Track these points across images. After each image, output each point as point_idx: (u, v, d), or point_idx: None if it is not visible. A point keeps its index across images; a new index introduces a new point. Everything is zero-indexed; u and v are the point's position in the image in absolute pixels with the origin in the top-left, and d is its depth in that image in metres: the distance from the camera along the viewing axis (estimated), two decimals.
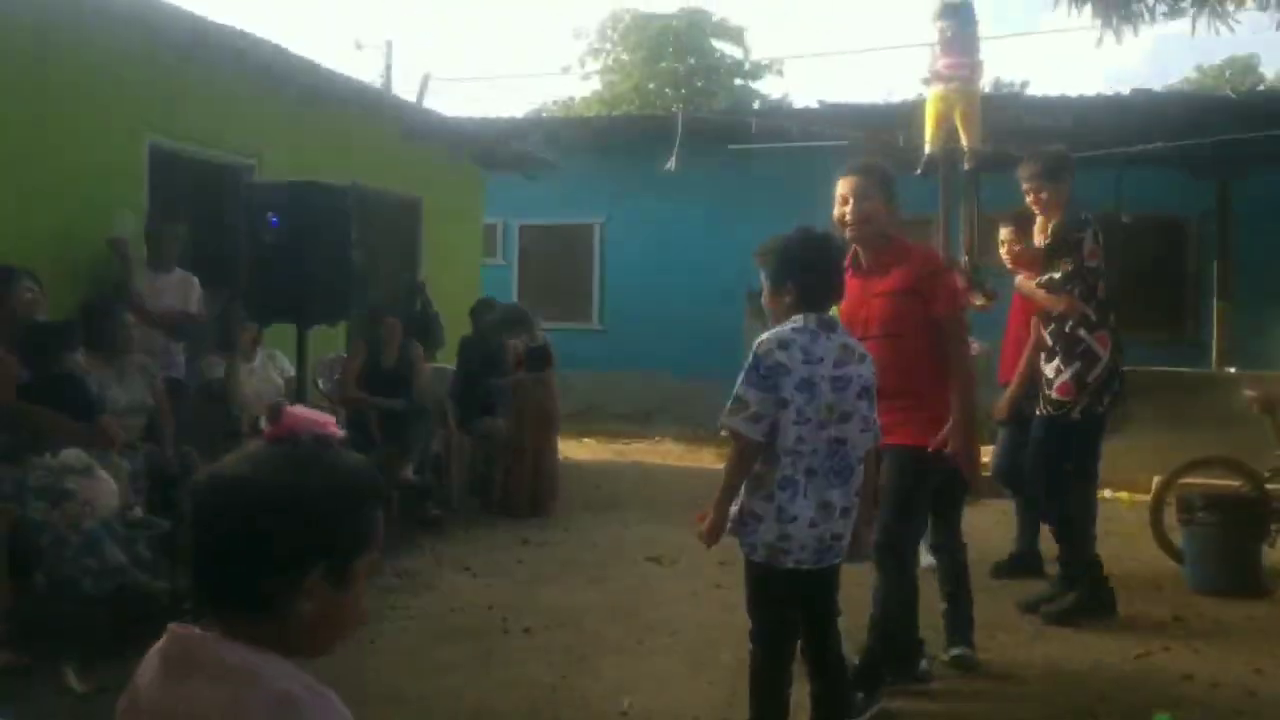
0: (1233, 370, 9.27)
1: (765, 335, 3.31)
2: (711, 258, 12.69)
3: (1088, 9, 6.75)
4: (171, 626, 1.39)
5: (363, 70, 20.14)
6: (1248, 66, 28.67)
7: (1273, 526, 5.94)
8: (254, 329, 6.66)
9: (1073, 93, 10.75)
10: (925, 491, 4.08)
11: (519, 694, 4.18)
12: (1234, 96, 10.93)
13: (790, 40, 53.05)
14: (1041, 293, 5.18)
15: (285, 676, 1.33)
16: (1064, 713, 4.09)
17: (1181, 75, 29.57)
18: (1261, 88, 21.68)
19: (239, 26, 6.95)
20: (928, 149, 8.23)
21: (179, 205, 6.87)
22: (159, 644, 1.40)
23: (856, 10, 55.42)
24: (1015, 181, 5.36)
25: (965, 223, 8.51)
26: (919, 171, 8.17)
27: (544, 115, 22.33)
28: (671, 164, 10.59)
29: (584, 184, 13.42)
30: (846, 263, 3.95)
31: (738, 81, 26.16)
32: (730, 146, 11.73)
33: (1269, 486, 6.06)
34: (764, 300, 3.52)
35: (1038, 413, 5.24)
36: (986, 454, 5.59)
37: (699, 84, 24.92)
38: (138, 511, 4.85)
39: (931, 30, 8.43)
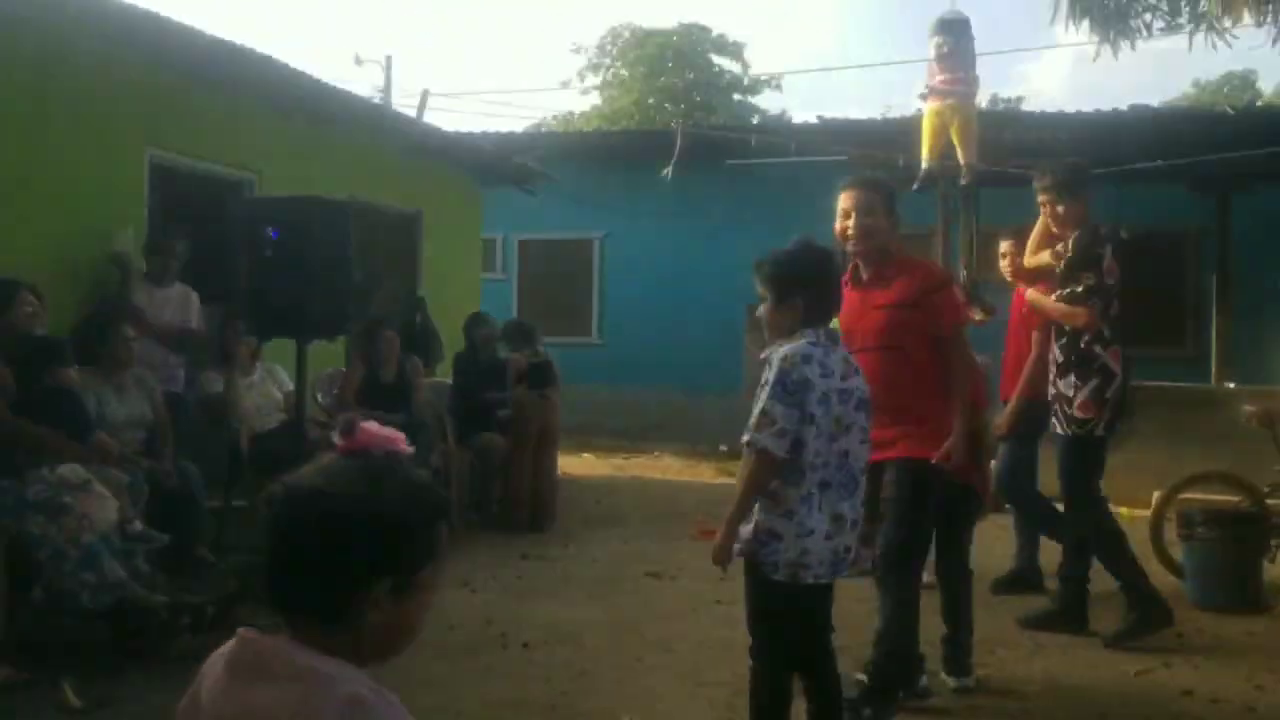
0: (1232, 385, 9.26)
1: (787, 349, 3.23)
2: (710, 272, 12.69)
3: (1086, 24, 6.77)
4: (240, 631, 1.43)
5: (362, 86, 20.19)
6: (1246, 82, 28.80)
7: (1273, 541, 5.93)
8: (253, 343, 6.67)
9: (1070, 109, 10.81)
10: (928, 505, 4.06)
11: (517, 710, 4.16)
12: (1232, 113, 10.97)
13: (789, 55, 53.32)
14: (1061, 306, 5.05)
15: (354, 680, 1.37)
16: None
17: (1180, 91, 29.72)
18: (1260, 103, 21.78)
19: (240, 43, 6.98)
20: (924, 164, 8.26)
21: (179, 220, 6.89)
22: (224, 648, 1.44)
23: (855, 26, 55.68)
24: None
25: (964, 237, 8.54)
26: (915, 187, 8.19)
27: (543, 130, 22.41)
28: (669, 172, 10.61)
29: (583, 199, 13.44)
30: (845, 276, 3.96)
31: (736, 97, 26.29)
32: (729, 162, 11.76)
33: (1269, 501, 6.05)
34: (764, 314, 3.45)
35: (1059, 432, 5.10)
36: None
37: (698, 99, 25.00)
38: (136, 526, 4.83)
39: (928, 46, 8.49)
